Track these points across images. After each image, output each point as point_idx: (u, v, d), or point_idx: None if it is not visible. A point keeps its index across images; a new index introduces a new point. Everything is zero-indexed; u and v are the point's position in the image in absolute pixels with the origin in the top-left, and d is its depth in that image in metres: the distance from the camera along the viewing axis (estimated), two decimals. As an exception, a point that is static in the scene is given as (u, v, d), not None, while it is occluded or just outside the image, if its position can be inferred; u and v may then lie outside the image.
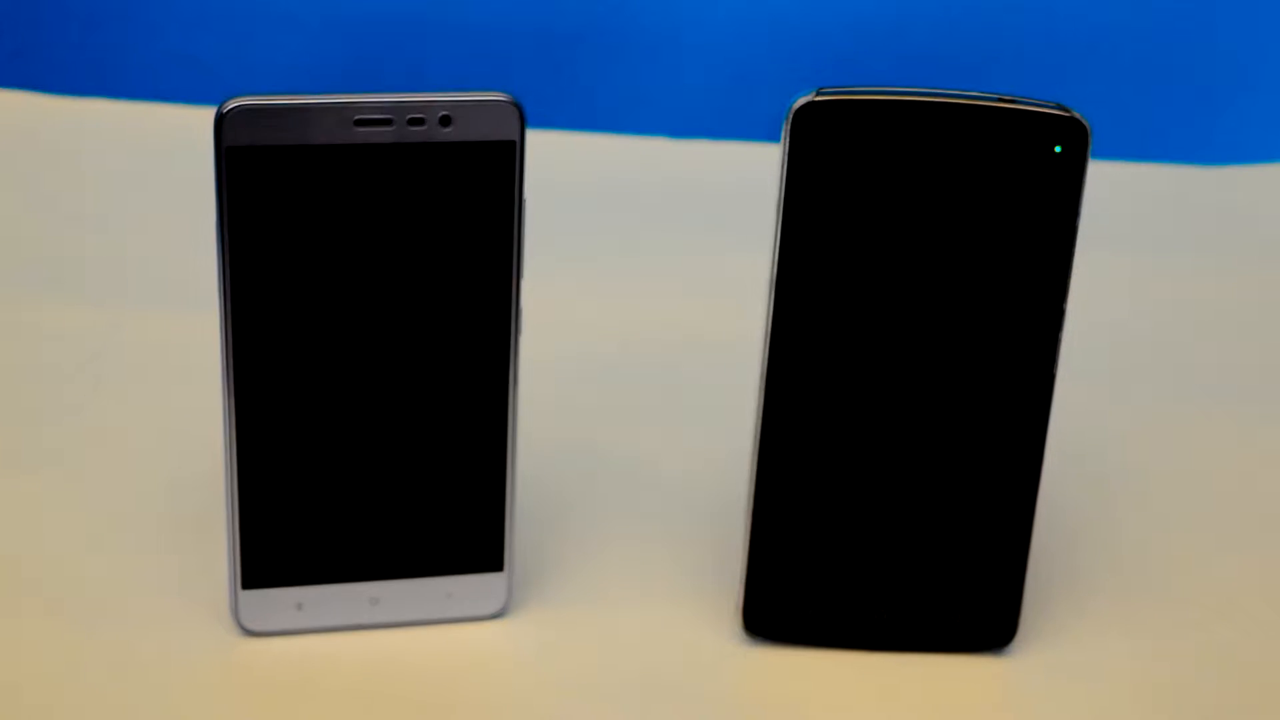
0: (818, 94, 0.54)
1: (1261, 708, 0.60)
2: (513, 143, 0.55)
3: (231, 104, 0.53)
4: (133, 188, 1.03)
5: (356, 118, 0.54)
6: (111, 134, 1.11)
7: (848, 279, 0.56)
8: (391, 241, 0.55)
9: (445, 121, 0.54)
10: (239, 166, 0.53)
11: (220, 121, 0.53)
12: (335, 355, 0.57)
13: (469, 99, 0.54)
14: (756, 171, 0.72)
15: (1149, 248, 1.01)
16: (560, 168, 0.84)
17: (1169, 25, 1.18)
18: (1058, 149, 0.54)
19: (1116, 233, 1.00)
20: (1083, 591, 0.66)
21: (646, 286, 0.93)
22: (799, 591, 0.60)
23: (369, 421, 0.58)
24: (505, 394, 0.59)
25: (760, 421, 0.58)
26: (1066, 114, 0.54)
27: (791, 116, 0.55)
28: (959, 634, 0.61)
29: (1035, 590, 0.63)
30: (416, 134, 0.54)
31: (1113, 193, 0.87)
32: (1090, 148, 0.55)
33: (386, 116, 0.54)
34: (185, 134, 0.85)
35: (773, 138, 0.56)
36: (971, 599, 0.60)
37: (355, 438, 0.58)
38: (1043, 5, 1.17)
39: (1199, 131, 1.19)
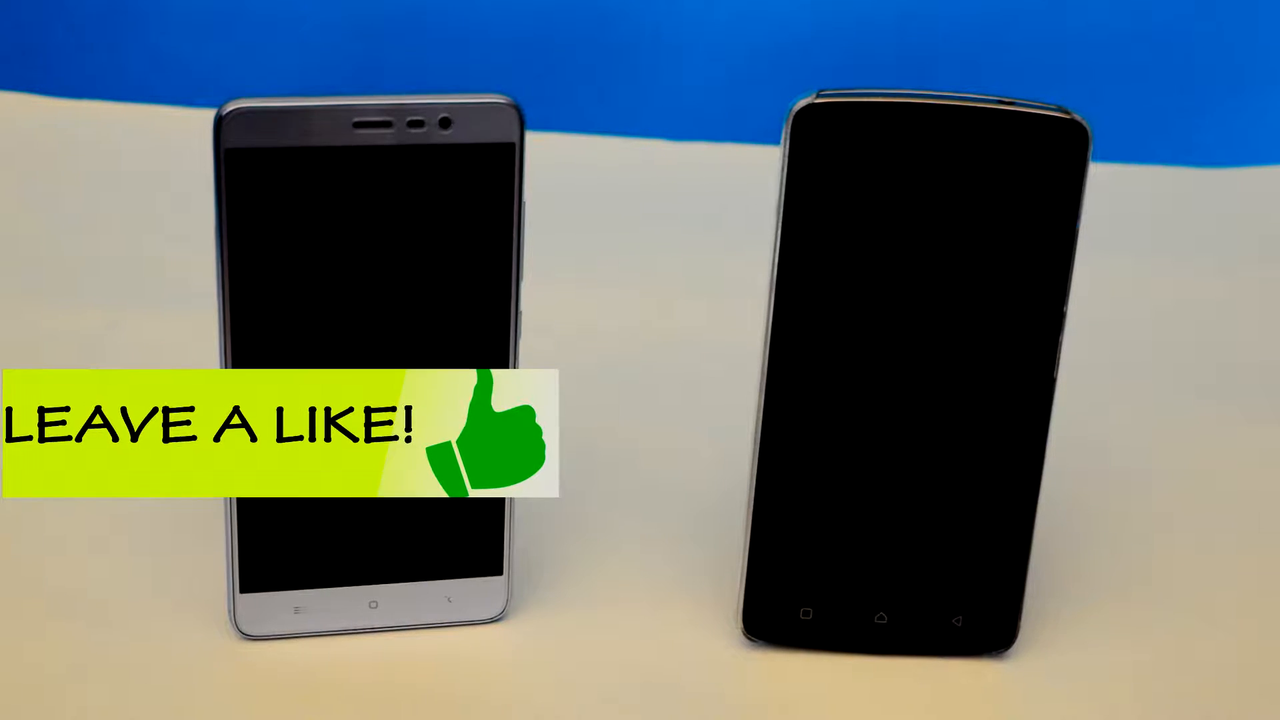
0: (818, 96, 0.54)
1: (1263, 710, 0.60)
2: (512, 145, 0.55)
3: (231, 106, 0.53)
4: (133, 189, 1.03)
5: (356, 120, 0.54)
6: (111, 136, 1.11)
7: (848, 281, 0.56)
8: (391, 244, 0.55)
9: (445, 124, 0.54)
10: (238, 169, 0.53)
11: (219, 124, 0.53)
12: (333, 355, 0.56)
13: (468, 101, 0.54)
14: (756, 174, 0.72)
15: (1149, 249, 1.01)
16: (560, 170, 0.84)
17: (1169, 28, 1.18)
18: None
19: (1116, 234, 1.00)
20: (1083, 594, 0.66)
21: (646, 288, 0.93)
22: (799, 594, 0.60)
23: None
24: (505, 396, 0.59)
25: (760, 424, 0.58)
26: (1067, 116, 0.54)
27: (791, 118, 0.54)
28: (959, 637, 0.61)
29: (1036, 593, 0.63)
30: (416, 136, 0.54)
31: (1113, 194, 0.87)
32: (1091, 150, 0.55)
33: (386, 119, 0.54)
34: (185, 136, 0.85)
35: (773, 140, 0.56)
36: (972, 602, 0.60)
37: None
38: (1043, 8, 1.17)
39: (1198, 134, 1.19)
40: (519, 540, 0.62)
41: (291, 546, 0.59)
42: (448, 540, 0.60)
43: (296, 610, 0.60)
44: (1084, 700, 0.60)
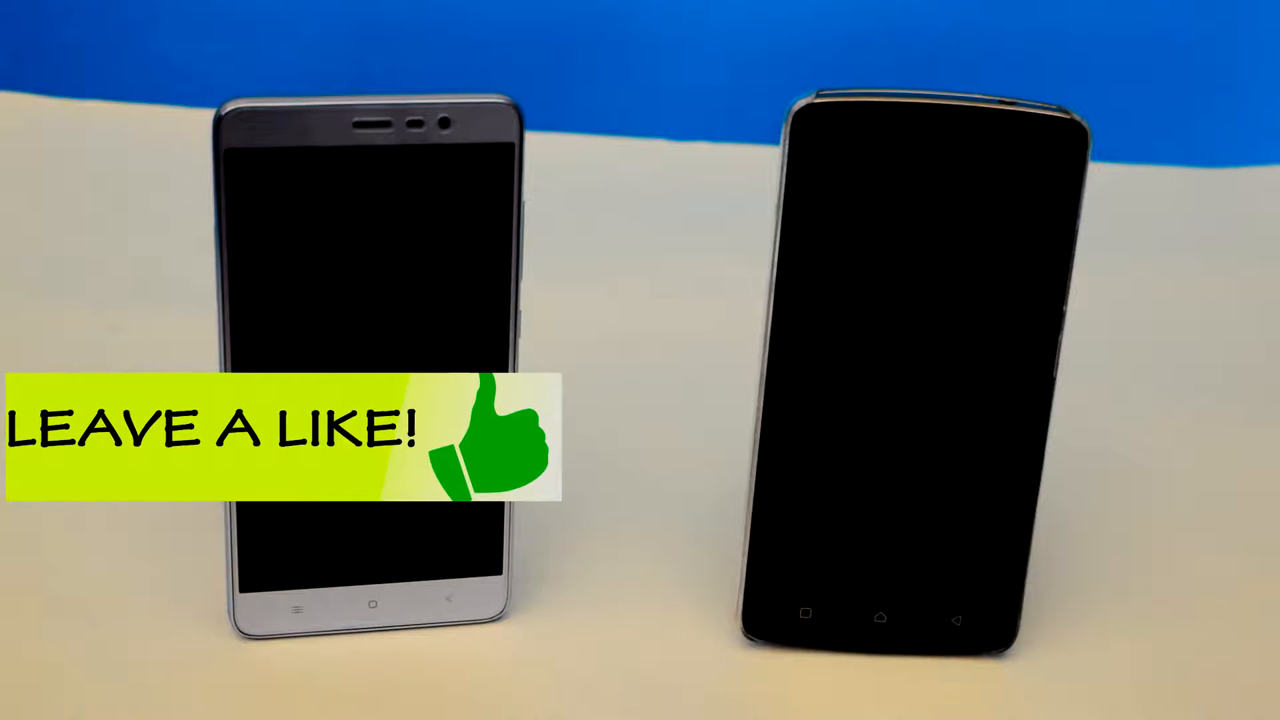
0: (817, 96, 0.54)
1: (1263, 709, 0.60)
2: (511, 144, 0.55)
3: (230, 106, 0.53)
4: (133, 189, 1.03)
5: (355, 120, 0.54)
6: (111, 136, 1.11)
7: (847, 281, 0.56)
8: (391, 243, 0.55)
9: (444, 123, 0.54)
10: (238, 169, 0.53)
11: (219, 124, 0.53)
12: (331, 354, 0.56)
13: (468, 101, 0.54)
14: (756, 173, 0.72)
15: (1149, 249, 1.01)
16: (560, 170, 0.84)
17: (1169, 28, 1.18)
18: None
19: (1116, 234, 1.00)
20: (1083, 593, 0.66)
21: (646, 287, 0.93)
22: (798, 594, 0.60)
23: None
24: (505, 396, 0.59)
25: (760, 423, 0.58)
26: (1067, 116, 0.54)
27: (791, 118, 0.54)
28: (959, 637, 0.61)
29: (1036, 593, 0.63)
30: (415, 136, 0.54)
31: (1112, 195, 0.87)
32: (1090, 150, 0.55)
33: (385, 118, 0.54)
34: (185, 136, 0.85)
35: (772, 140, 0.56)
36: (971, 602, 0.60)
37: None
38: (1043, 7, 1.17)
39: (1198, 134, 1.19)
40: (519, 540, 0.62)
41: (291, 546, 0.59)
42: (447, 540, 0.60)
43: (296, 610, 0.60)
44: (1084, 700, 0.60)
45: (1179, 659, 0.62)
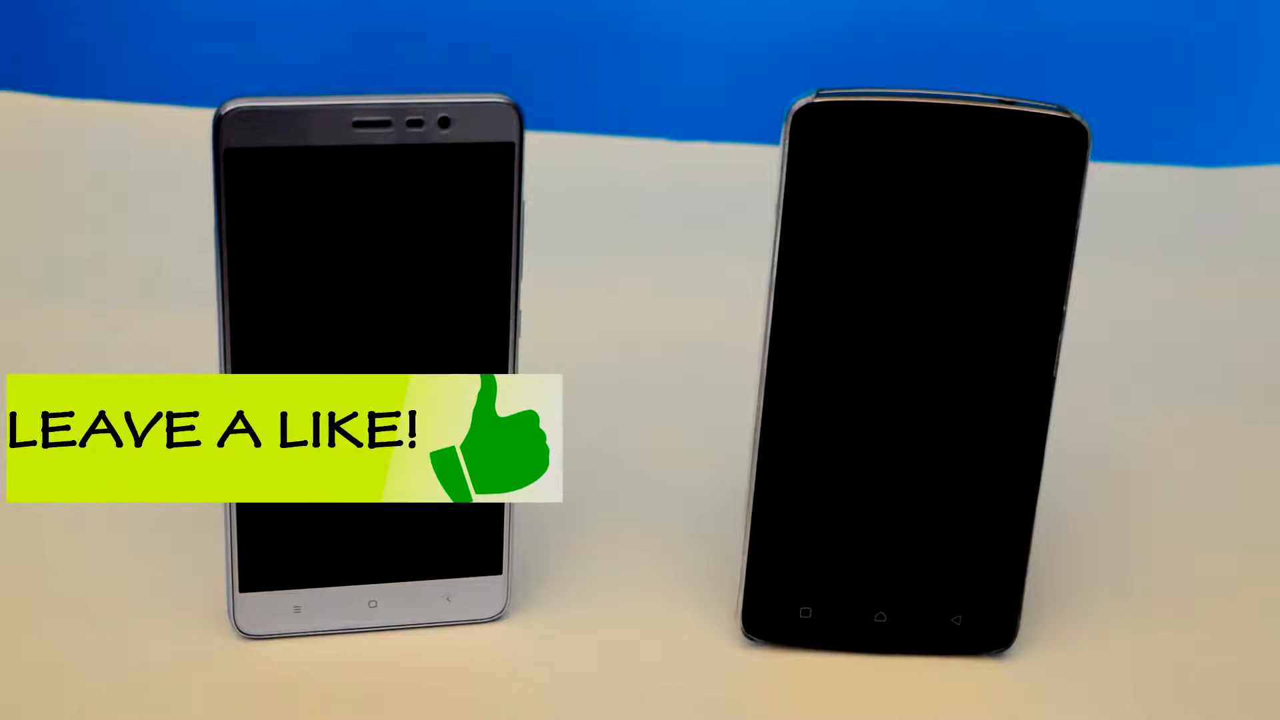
0: (817, 95, 0.54)
1: (1263, 709, 0.60)
2: (511, 144, 0.55)
3: (230, 105, 0.53)
4: (133, 189, 1.03)
5: (355, 119, 0.54)
6: (111, 136, 1.11)
7: (847, 280, 0.56)
8: (391, 243, 0.55)
9: (444, 123, 0.54)
10: (238, 168, 0.53)
11: (219, 123, 0.53)
12: (330, 353, 0.56)
13: (468, 100, 0.54)
14: (756, 174, 0.72)
15: (1149, 249, 1.01)
16: (560, 169, 0.84)
17: (1169, 28, 1.18)
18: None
19: (1116, 234, 1.00)
20: (1083, 593, 0.66)
21: (646, 287, 0.93)
22: (798, 593, 0.60)
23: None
24: (505, 396, 0.59)
25: (760, 423, 0.58)
26: (1066, 115, 0.54)
27: (791, 118, 0.54)
28: (959, 636, 0.61)
29: (1035, 593, 0.63)
30: (415, 135, 0.54)
31: (1112, 194, 0.87)
32: (1090, 149, 0.55)
33: (385, 118, 0.54)
34: (185, 136, 0.85)
35: (773, 139, 0.56)
36: (971, 601, 0.60)
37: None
38: (1043, 7, 1.17)
39: (1199, 133, 1.19)
40: (519, 540, 0.62)
41: (291, 546, 0.59)
42: (447, 540, 0.60)
43: (296, 610, 0.60)
44: (1084, 700, 0.60)
45: (1179, 659, 0.62)
